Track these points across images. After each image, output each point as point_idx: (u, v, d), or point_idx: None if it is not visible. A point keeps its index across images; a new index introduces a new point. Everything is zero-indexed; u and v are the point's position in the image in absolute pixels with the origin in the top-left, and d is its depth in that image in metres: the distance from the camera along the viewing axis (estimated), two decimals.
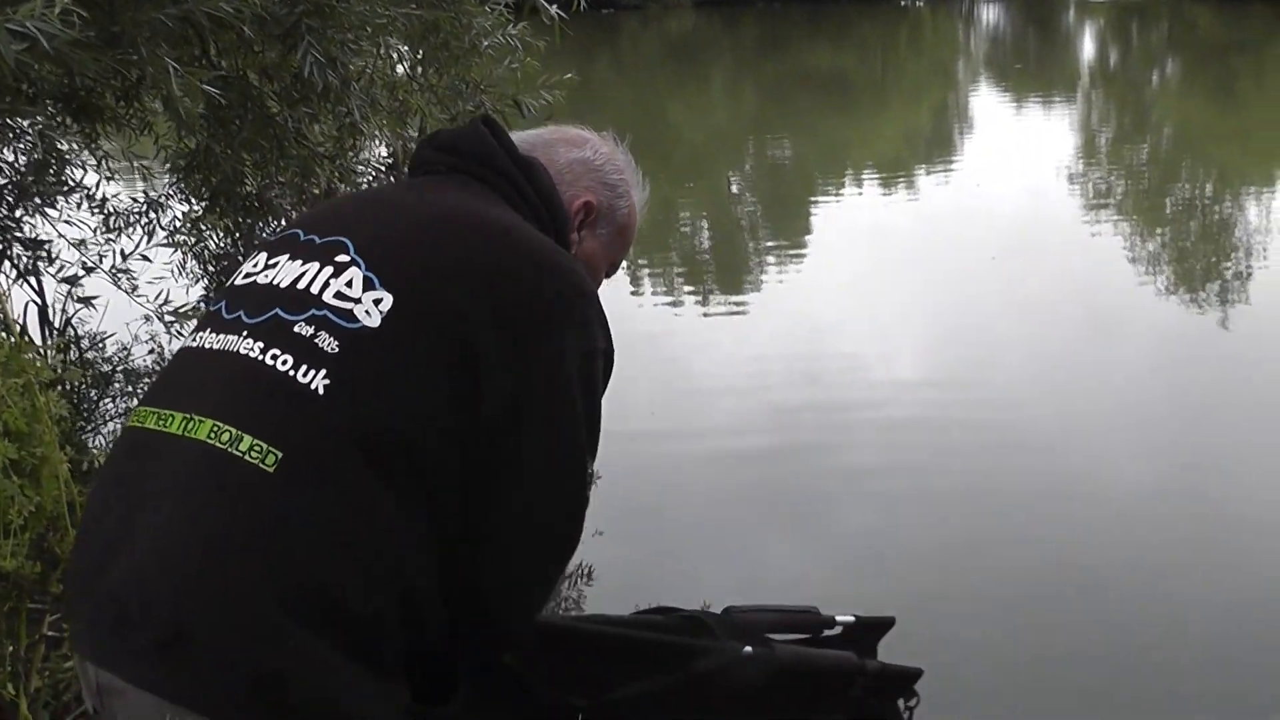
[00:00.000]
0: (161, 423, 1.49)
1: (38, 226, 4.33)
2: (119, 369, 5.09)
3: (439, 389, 1.46)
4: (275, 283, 1.56)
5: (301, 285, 1.53)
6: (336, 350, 1.45)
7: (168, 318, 4.74)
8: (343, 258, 1.53)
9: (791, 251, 12.08)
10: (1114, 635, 4.33)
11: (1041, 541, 5.09)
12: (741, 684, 1.96)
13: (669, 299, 10.22)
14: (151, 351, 5.22)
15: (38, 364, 3.01)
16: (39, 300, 4.89)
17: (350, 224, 1.61)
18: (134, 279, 4.86)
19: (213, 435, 1.42)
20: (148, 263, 4.98)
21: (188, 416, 1.46)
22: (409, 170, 1.83)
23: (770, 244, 13.06)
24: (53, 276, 4.55)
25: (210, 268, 5.01)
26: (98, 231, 4.76)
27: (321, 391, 1.43)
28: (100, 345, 5.16)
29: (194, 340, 1.60)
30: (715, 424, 6.72)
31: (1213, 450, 6.06)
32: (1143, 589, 4.62)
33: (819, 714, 2.08)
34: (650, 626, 2.03)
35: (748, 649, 1.98)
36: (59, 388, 3.50)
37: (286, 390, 1.45)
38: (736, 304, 10.22)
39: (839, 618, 2.11)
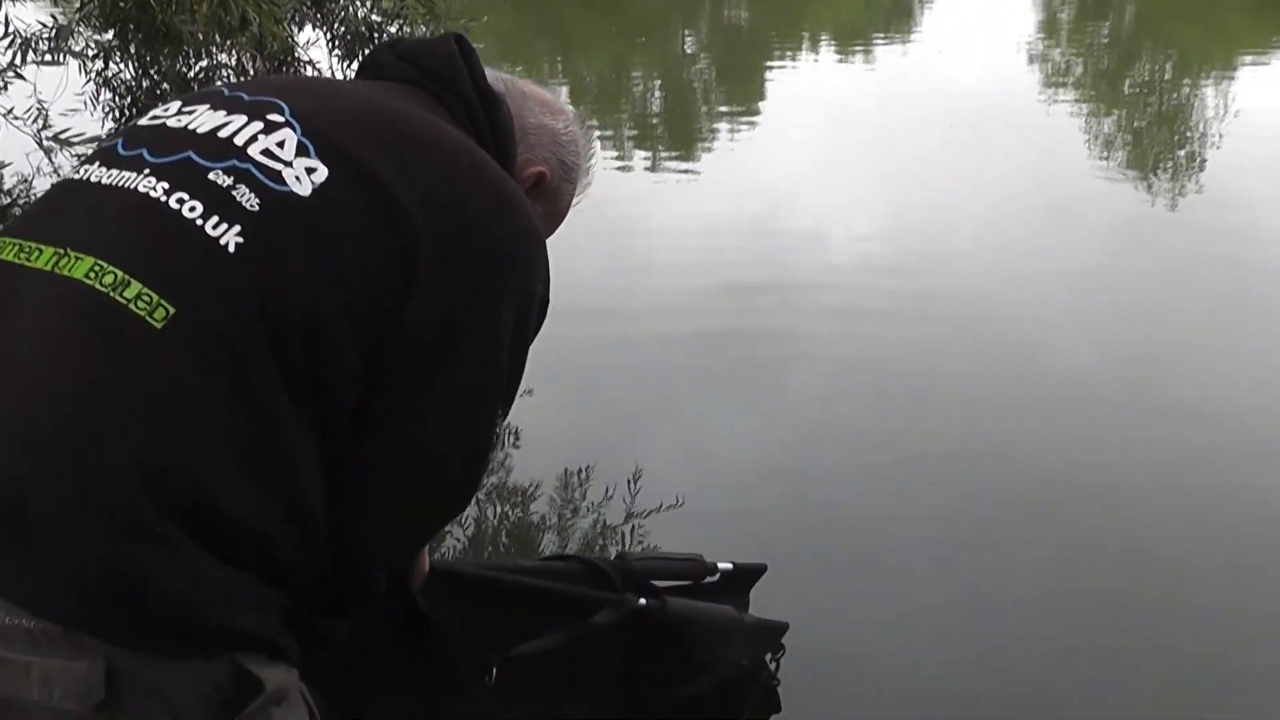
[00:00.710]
0: (24, 255, 1.25)
1: None
2: (19, 202, 4.76)
3: (364, 279, 1.29)
4: (190, 127, 1.35)
5: (223, 134, 1.33)
6: (256, 208, 1.26)
7: (76, 147, 4.35)
8: (276, 117, 1.34)
9: (745, 118, 11.84)
10: (1055, 522, 4.24)
11: (991, 426, 5.00)
12: (634, 635, 1.98)
13: (619, 163, 9.94)
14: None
15: None
16: None
17: (288, 91, 1.42)
18: (44, 106, 4.54)
19: (92, 275, 1.19)
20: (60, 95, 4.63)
21: (60, 251, 1.23)
22: (357, 71, 1.62)
23: (723, 109, 12.83)
24: None
25: (124, 104, 4.68)
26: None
27: (232, 249, 1.23)
28: None
29: (78, 174, 1.36)
30: (660, 302, 6.52)
31: (1164, 338, 5.98)
32: (1090, 480, 4.52)
33: (701, 665, 2.08)
34: (554, 575, 2.03)
35: (642, 601, 1.99)
36: None
37: (189, 239, 1.24)
38: (687, 170, 10.00)
39: (720, 565, 2.15)
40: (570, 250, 1.96)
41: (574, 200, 1.72)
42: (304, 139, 1.32)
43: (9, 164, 4.92)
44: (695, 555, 2.18)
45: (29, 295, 1.22)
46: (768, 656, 2.15)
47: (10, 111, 4.40)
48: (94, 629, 1.15)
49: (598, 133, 10.50)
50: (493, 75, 1.60)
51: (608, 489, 4.32)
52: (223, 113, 1.36)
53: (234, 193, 1.27)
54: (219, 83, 1.18)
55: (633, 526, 4.14)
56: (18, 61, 4.41)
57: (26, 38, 4.55)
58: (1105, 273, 6.96)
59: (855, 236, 7.58)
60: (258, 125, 1.33)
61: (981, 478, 4.53)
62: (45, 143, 4.36)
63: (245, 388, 1.21)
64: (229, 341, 1.21)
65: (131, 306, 1.18)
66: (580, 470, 4.47)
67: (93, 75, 4.66)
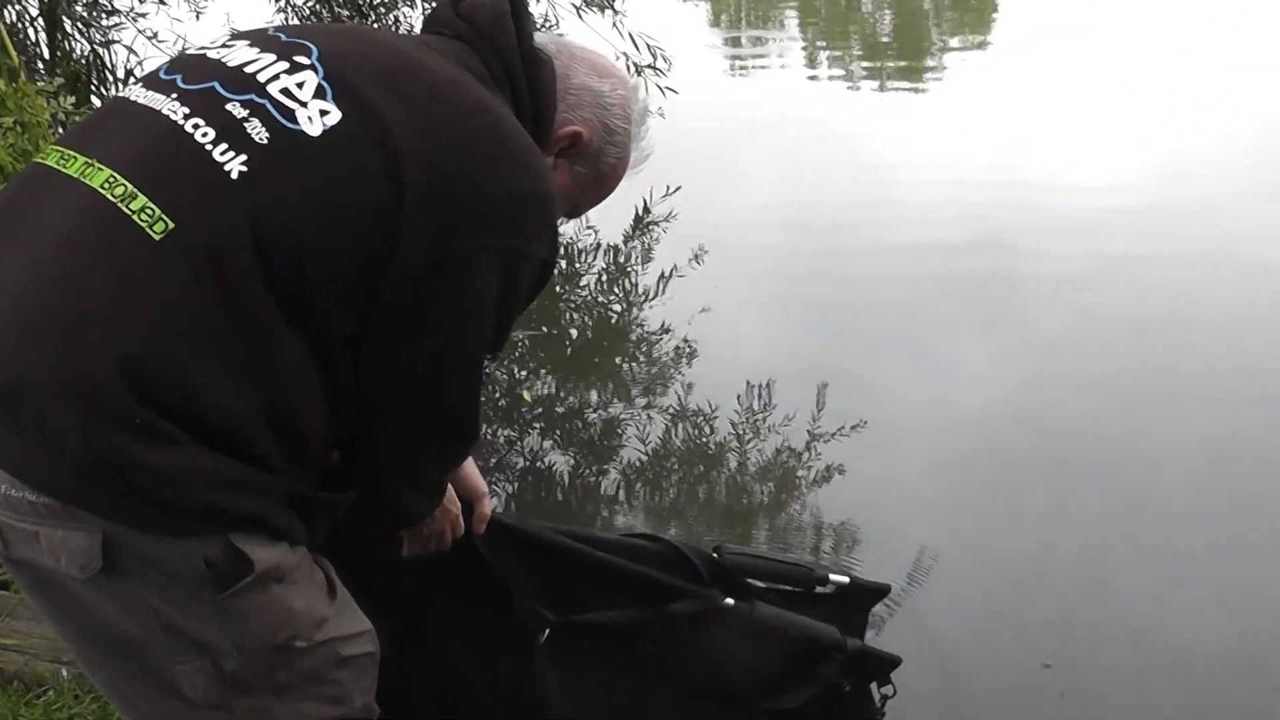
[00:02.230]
0: (64, 162, 1.37)
1: None
2: None
3: (356, 221, 1.36)
4: (223, 60, 1.44)
5: (249, 69, 1.41)
6: (265, 141, 1.34)
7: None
8: (302, 59, 1.42)
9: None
10: None
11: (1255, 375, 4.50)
12: (715, 634, 1.96)
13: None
14: None
15: (39, 102, 3.01)
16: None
17: (324, 37, 1.50)
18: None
19: (106, 185, 1.31)
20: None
21: (89, 162, 1.34)
22: (423, 25, 1.70)
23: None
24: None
25: None
26: None
27: (235, 176, 1.31)
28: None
29: (126, 92, 1.48)
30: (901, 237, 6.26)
31: None
32: None
33: (787, 681, 2.02)
34: (639, 555, 1.98)
35: (729, 600, 1.96)
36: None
37: (197, 160, 1.33)
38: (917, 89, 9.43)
39: (832, 577, 2.07)
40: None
41: (625, 166, 1.71)
42: (325, 82, 1.38)
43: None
44: (806, 563, 2.18)
45: (55, 197, 1.35)
46: (875, 686, 2.08)
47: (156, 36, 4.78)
48: (87, 505, 1.27)
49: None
50: (546, 38, 1.65)
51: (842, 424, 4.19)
52: (256, 50, 1.44)
53: (246, 125, 1.34)
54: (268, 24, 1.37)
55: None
56: None
57: None
58: None
59: (1097, 179, 7.07)
60: (283, 65, 1.41)
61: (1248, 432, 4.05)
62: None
63: (233, 301, 1.30)
64: (220, 259, 1.29)
65: (135, 218, 1.28)
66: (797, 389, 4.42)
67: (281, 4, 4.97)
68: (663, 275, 5.71)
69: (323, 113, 1.35)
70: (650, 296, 5.65)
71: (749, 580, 1.99)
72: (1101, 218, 6.31)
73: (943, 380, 4.58)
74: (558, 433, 4.35)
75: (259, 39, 1.47)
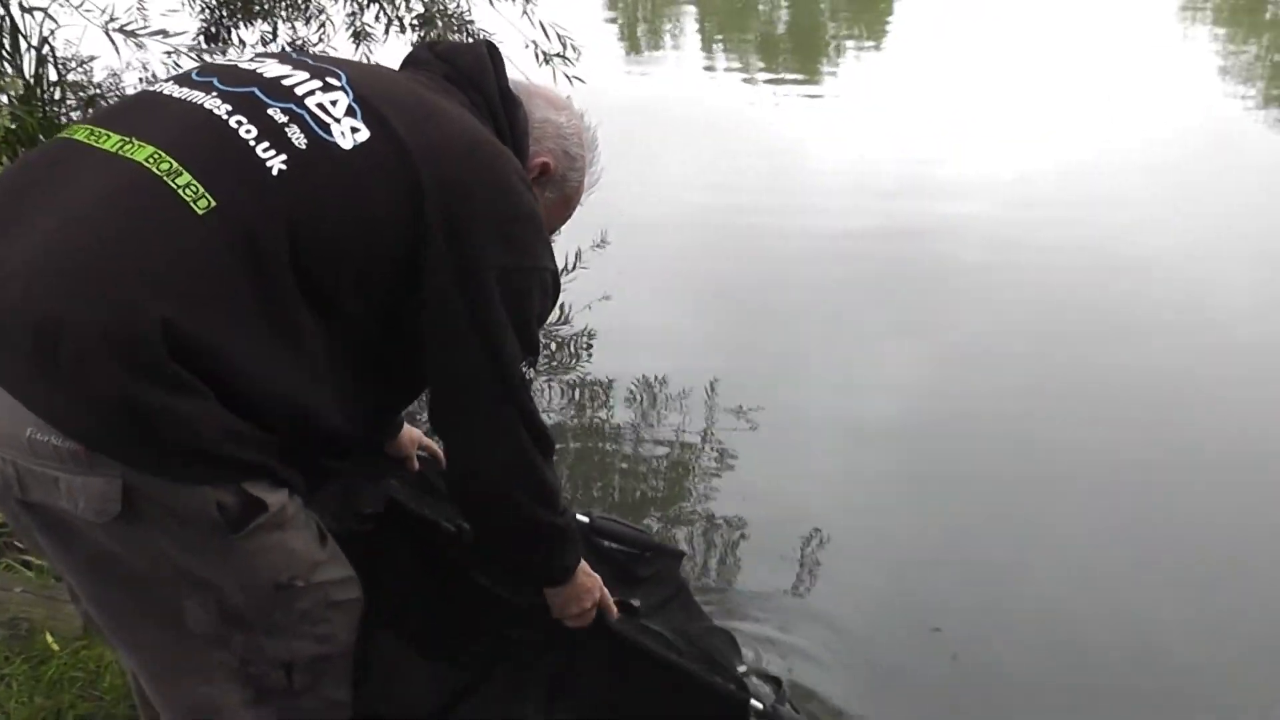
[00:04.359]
0: (93, 138, 1.45)
1: None
2: (109, 94, 4.96)
3: (381, 231, 1.49)
4: (258, 70, 1.56)
5: (286, 82, 1.53)
6: (303, 147, 1.45)
7: (141, 37, 4.67)
8: (333, 80, 1.55)
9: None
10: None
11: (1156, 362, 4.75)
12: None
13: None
14: (143, 80, 5.10)
15: None
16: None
17: (347, 65, 1.65)
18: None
19: (150, 160, 1.39)
20: None
21: (126, 139, 1.43)
22: (400, 65, 1.82)
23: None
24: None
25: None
26: None
27: (275, 172, 1.42)
28: (86, 69, 5.04)
29: (156, 88, 1.58)
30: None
31: None
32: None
33: None
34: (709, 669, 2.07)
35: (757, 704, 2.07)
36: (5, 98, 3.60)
37: (241, 153, 1.43)
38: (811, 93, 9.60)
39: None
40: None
41: (585, 186, 1.88)
42: (354, 103, 1.52)
43: (97, 58, 5.16)
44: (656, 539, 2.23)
45: (90, 166, 1.42)
46: None
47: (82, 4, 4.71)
48: (112, 451, 1.34)
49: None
50: (511, 78, 1.81)
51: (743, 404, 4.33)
52: (288, 67, 1.58)
53: (286, 130, 1.46)
54: (286, 48, 1.51)
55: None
56: None
57: None
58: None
59: (1001, 172, 7.34)
60: (317, 83, 1.54)
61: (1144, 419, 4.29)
62: (110, 33, 4.65)
63: (265, 283, 1.40)
64: (256, 243, 1.39)
65: (180, 192, 1.37)
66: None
67: None
68: (565, 265, 5.79)
69: (353, 130, 1.48)
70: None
71: (596, 538, 2.13)
72: (1007, 210, 6.58)
73: (842, 368, 4.73)
74: None
75: (288, 59, 1.62)
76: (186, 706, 1.56)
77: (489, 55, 1.75)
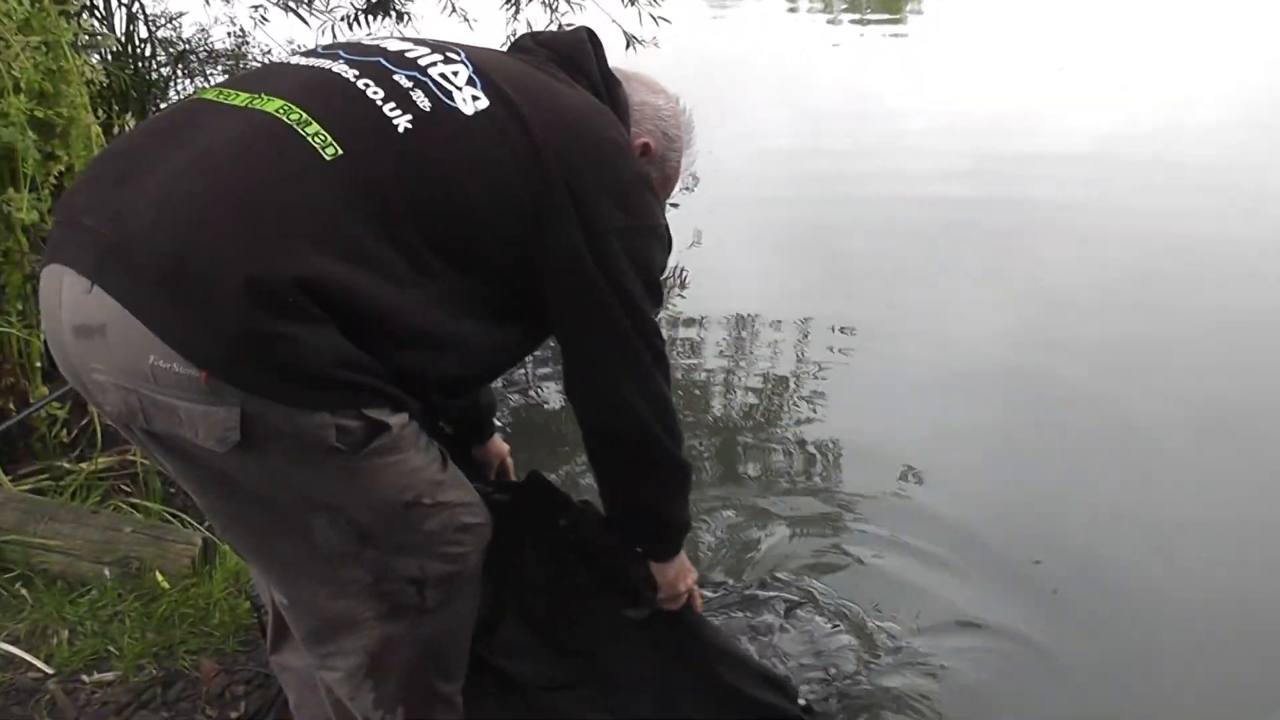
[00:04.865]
0: (222, 96, 1.51)
1: None
2: (198, 49, 5.01)
3: (502, 195, 1.55)
4: (381, 44, 1.65)
5: (410, 55, 1.61)
6: (427, 109, 1.52)
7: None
8: (454, 55, 1.63)
9: None
10: None
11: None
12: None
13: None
14: (231, 35, 5.16)
15: (60, 22, 3.00)
16: None
17: (462, 45, 1.71)
18: None
19: (280, 111, 1.46)
20: None
21: (255, 95, 1.49)
22: (505, 52, 1.87)
23: None
24: None
25: None
26: None
27: (401, 130, 1.49)
28: (175, 25, 5.03)
29: (283, 59, 1.74)
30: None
31: None
32: None
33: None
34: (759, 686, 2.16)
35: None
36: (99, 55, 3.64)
37: (368, 110, 1.50)
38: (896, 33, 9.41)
39: None
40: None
41: (684, 169, 1.95)
42: (474, 75, 1.60)
43: (185, 14, 5.24)
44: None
45: (220, 116, 1.48)
46: None
47: None
48: (231, 376, 1.37)
49: None
50: (610, 63, 1.87)
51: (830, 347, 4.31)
52: (410, 44, 1.66)
53: (412, 94, 1.53)
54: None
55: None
56: None
57: None
58: None
59: (1099, 122, 7.13)
60: (438, 56, 1.62)
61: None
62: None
63: (387, 229, 1.46)
64: (381, 191, 1.46)
65: (309, 139, 1.44)
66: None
67: None
68: None
69: (474, 98, 1.56)
70: None
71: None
72: (1103, 152, 6.44)
73: (934, 311, 4.68)
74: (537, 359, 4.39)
75: (408, 39, 1.71)
76: (321, 620, 1.62)
77: (589, 40, 1.82)
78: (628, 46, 5.46)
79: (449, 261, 1.51)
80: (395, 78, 1.54)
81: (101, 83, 3.03)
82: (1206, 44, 8.92)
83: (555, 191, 1.57)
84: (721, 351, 4.39)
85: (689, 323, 4.62)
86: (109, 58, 4.23)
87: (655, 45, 5.36)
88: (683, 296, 4.87)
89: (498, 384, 3.29)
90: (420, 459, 1.54)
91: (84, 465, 3.02)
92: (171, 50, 4.89)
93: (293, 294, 1.35)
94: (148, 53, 4.84)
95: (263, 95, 1.48)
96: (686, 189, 5.94)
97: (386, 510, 1.52)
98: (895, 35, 9.77)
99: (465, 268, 1.53)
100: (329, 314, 1.38)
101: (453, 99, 1.55)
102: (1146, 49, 8.78)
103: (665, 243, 1.74)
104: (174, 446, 1.45)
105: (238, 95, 1.50)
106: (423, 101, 1.52)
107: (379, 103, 1.50)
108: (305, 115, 1.45)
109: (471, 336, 1.57)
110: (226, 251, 1.35)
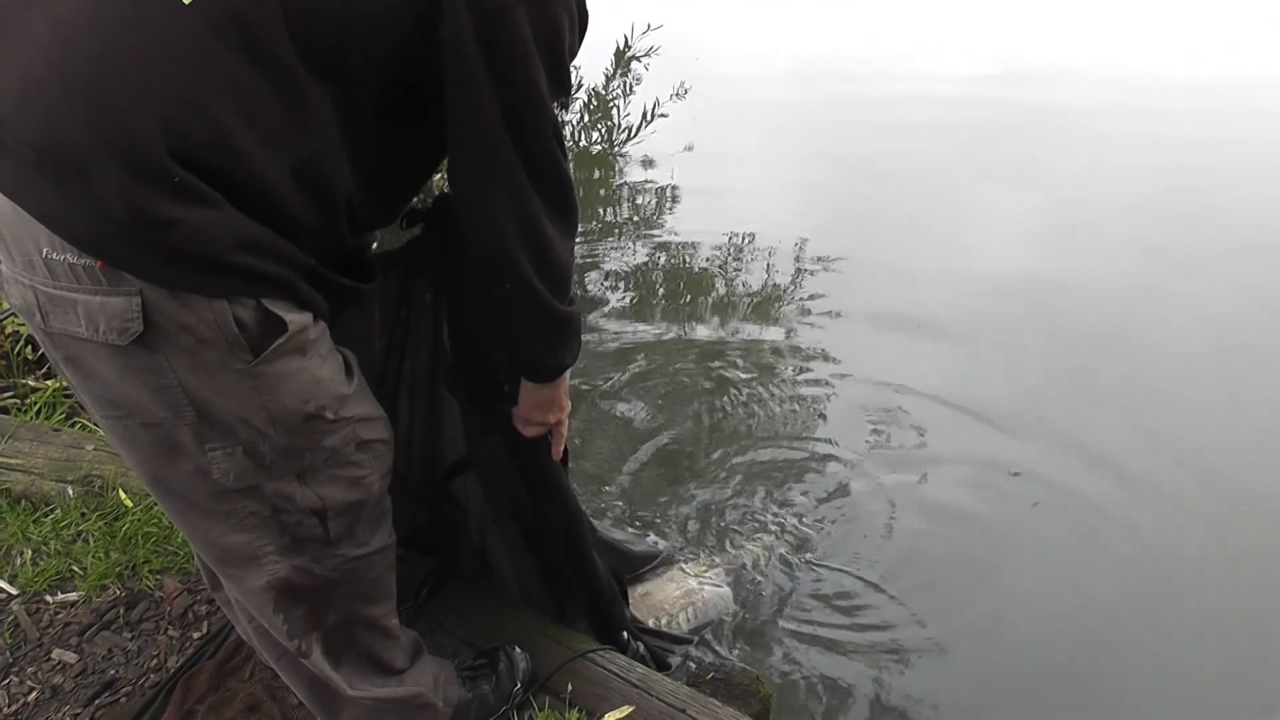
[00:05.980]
0: None
1: None
2: None
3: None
4: None
5: None
6: None
7: None
8: None
9: None
10: None
11: None
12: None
13: None
14: None
15: None
16: None
17: None
18: None
19: None
20: None
21: None
22: None
23: None
24: None
25: None
26: None
27: None
28: None
29: None
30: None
31: None
32: None
33: None
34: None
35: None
36: None
37: None
38: None
39: None
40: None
41: None
42: None
43: None
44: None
45: None
46: None
47: None
48: (127, 265, 1.30)
49: None
50: None
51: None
52: None
53: None
54: None
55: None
56: None
57: None
58: None
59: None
60: None
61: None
62: None
63: (262, 60, 1.33)
64: (245, 21, 1.32)
65: None
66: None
67: None
68: (644, 114, 5.68)
69: None
70: (632, 135, 5.62)
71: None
72: (1130, 54, 6.40)
73: (951, 218, 4.61)
74: None
75: None
76: (220, 552, 1.56)
77: None
78: None
79: (335, 82, 1.39)
80: None
81: None
82: None
83: None
84: (717, 267, 4.33)
85: (681, 244, 4.52)
86: None
87: None
88: (671, 211, 4.77)
89: None
90: (325, 368, 1.47)
91: (49, 383, 2.98)
92: None
93: (173, 169, 1.26)
94: None
95: None
96: (677, 96, 5.89)
97: (287, 421, 1.44)
98: None
99: (356, 84, 1.42)
100: (217, 179, 1.30)
101: None
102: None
103: (575, 19, 1.56)
104: (72, 354, 1.38)
105: None
106: None
107: None
108: None
109: (376, 165, 1.48)
110: (94, 129, 1.25)
